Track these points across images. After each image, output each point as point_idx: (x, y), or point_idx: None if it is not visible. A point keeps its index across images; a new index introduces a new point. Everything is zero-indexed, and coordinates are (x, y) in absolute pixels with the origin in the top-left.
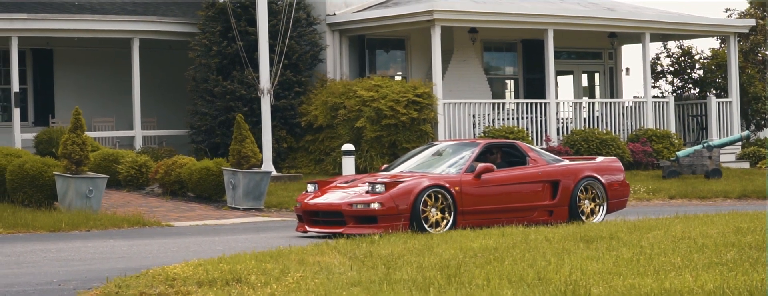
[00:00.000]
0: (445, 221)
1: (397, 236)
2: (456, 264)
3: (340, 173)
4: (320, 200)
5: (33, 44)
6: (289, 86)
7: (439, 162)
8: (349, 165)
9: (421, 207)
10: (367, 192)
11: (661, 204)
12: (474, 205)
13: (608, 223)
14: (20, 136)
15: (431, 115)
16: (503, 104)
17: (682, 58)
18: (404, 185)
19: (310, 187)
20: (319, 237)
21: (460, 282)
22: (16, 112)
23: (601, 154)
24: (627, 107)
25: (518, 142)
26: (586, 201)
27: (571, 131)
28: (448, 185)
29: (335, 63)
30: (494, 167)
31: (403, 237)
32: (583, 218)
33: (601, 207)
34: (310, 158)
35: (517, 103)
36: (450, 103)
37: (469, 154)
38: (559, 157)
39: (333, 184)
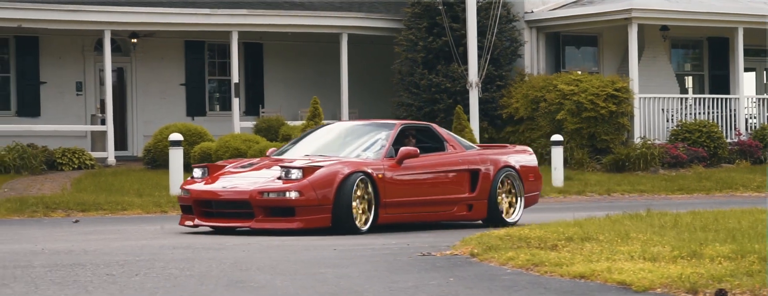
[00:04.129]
0: (365, 215)
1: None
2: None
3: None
4: (217, 187)
5: (245, 38)
6: (491, 80)
7: (348, 145)
8: (557, 155)
9: (349, 197)
10: (279, 178)
11: None
12: (397, 197)
13: None
14: (239, 123)
15: (628, 109)
16: (686, 99)
17: None
18: (325, 171)
19: (197, 172)
20: (218, 232)
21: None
22: (236, 102)
23: None
24: None
25: (434, 125)
26: (504, 195)
27: (761, 125)
28: (371, 171)
29: (532, 58)
30: (418, 152)
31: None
32: (503, 215)
33: (518, 203)
34: None
35: (701, 99)
36: (644, 98)
37: (386, 136)
38: (471, 144)
39: (225, 169)
